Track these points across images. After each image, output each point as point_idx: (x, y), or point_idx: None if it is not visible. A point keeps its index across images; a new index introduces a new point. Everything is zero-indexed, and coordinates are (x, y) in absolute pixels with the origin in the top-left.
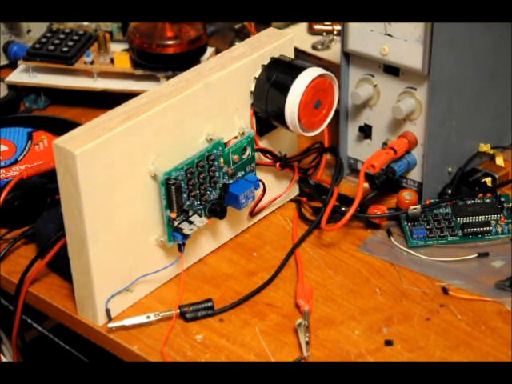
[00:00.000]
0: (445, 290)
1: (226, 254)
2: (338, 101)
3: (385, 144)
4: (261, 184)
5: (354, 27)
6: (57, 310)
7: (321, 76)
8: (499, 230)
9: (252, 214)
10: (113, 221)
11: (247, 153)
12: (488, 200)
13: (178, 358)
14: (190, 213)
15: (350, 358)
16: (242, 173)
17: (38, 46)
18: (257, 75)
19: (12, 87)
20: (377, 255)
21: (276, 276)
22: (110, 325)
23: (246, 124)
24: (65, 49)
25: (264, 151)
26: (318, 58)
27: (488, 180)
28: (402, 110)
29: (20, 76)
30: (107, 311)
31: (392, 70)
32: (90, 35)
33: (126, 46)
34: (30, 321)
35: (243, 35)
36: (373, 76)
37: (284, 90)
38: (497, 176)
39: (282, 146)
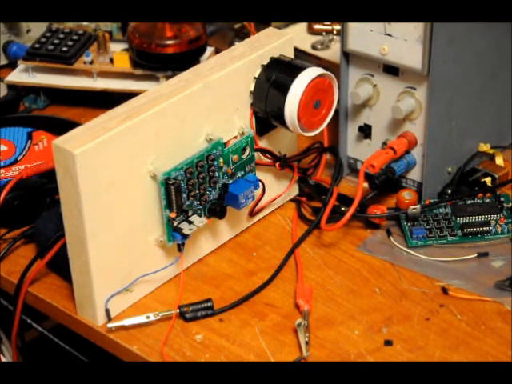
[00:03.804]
0: (444, 290)
1: (225, 254)
2: (338, 101)
3: (384, 144)
4: (260, 184)
5: (354, 27)
6: (56, 310)
7: (320, 76)
8: (499, 229)
9: (252, 213)
10: (112, 221)
11: (247, 153)
12: (488, 200)
13: (177, 358)
14: (190, 213)
15: (350, 358)
16: (242, 173)
17: (37, 45)
18: (256, 75)
19: (11, 87)
20: (376, 255)
21: (276, 276)
22: (110, 325)
23: (245, 124)
24: (64, 49)
25: (264, 151)
26: (317, 57)
27: (488, 180)
28: (402, 109)
29: (19, 76)
30: (107, 311)
31: (392, 70)
32: (89, 35)
33: (125, 45)
34: (29, 321)
35: (243, 35)
36: (372, 76)
37: (284, 89)
38: (496, 176)
39: (282, 146)
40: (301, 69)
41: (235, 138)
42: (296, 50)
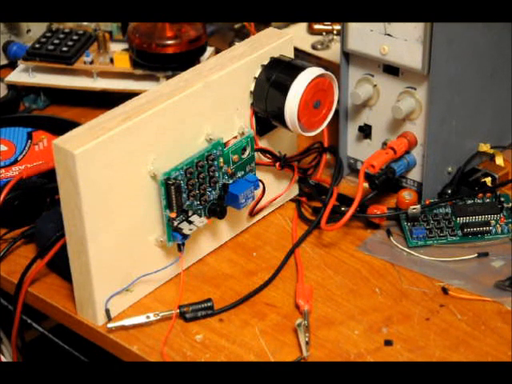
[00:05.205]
0: (444, 290)
1: (225, 254)
2: (338, 101)
3: (384, 144)
4: (260, 184)
5: (354, 27)
6: (57, 310)
7: (320, 76)
8: (499, 229)
9: (252, 213)
10: (112, 221)
11: (247, 153)
12: (488, 200)
13: (177, 358)
14: (190, 213)
15: (350, 358)
16: (242, 173)
17: (37, 45)
18: (256, 75)
19: (11, 87)
20: (377, 255)
21: (276, 276)
22: (110, 325)
23: (245, 124)
24: (64, 48)
25: (264, 151)
26: (317, 57)
27: (488, 180)
28: (402, 109)
29: (19, 76)
30: (107, 311)
31: (392, 70)
32: (89, 35)
33: (125, 45)
34: (29, 321)
35: (243, 35)
36: (372, 76)
37: (284, 89)
38: (497, 176)
39: (282, 146)
40: (301, 69)
41: (235, 138)
42: (296, 49)
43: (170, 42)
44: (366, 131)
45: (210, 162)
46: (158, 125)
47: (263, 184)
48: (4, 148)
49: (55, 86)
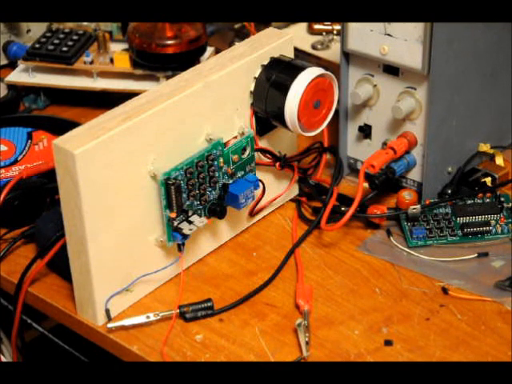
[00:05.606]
0: (444, 290)
1: (225, 254)
2: (338, 101)
3: (384, 144)
4: (260, 184)
5: (354, 27)
6: (57, 310)
7: (320, 76)
8: (499, 229)
9: (252, 213)
10: (112, 221)
11: (247, 153)
12: (488, 200)
13: (177, 358)
14: (190, 213)
15: (350, 358)
16: (242, 173)
17: (37, 45)
18: (256, 75)
19: (11, 87)
20: (377, 255)
21: (276, 276)
22: (110, 325)
23: (245, 124)
24: (64, 48)
25: (264, 151)
26: (317, 57)
27: (488, 180)
28: (402, 109)
29: (19, 76)
30: (107, 311)
31: (392, 70)
32: (89, 35)
33: (125, 45)
34: (29, 321)
35: (243, 35)
36: (372, 76)
37: (284, 89)
38: (497, 176)
39: (282, 146)
40: (301, 69)
41: (235, 138)
42: (296, 49)
43: (170, 41)
44: (366, 131)
45: (210, 162)
46: (158, 125)
47: (263, 184)
48: (4, 148)
49: (55, 86)
